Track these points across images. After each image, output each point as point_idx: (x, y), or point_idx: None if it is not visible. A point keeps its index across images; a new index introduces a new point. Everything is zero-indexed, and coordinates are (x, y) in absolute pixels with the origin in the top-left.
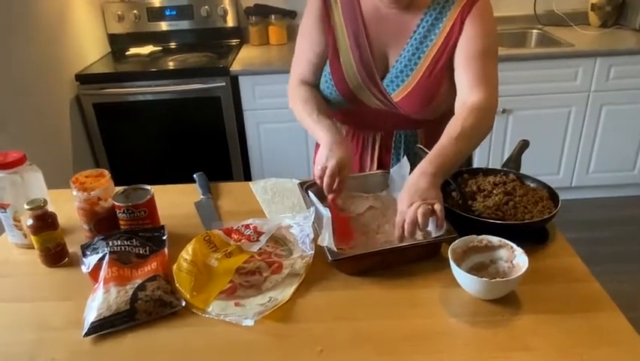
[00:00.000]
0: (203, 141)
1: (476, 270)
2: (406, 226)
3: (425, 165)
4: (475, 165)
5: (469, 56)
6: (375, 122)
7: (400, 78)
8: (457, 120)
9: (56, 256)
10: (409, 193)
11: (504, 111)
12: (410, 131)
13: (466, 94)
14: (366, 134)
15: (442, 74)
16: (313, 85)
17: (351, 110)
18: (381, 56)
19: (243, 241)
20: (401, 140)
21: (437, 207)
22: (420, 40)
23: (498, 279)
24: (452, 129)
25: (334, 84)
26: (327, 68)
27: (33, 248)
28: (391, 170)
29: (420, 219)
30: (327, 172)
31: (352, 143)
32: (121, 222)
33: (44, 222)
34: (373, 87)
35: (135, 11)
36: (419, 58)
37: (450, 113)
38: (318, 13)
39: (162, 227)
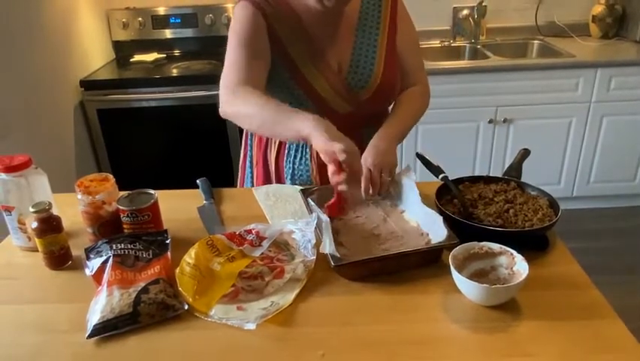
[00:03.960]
0: (205, 147)
1: (477, 276)
2: (363, 182)
3: (387, 130)
4: (476, 173)
5: (409, 46)
6: (346, 127)
7: (365, 76)
8: (411, 101)
9: (60, 258)
10: (372, 153)
11: (505, 120)
12: (372, 128)
13: (410, 80)
14: None
15: (396, 66)
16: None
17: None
18: (336, 61)
19: (245, 245)
20: (369, 137)
21: (387, 175)
22: (367, 40)
23: (498, 285)
24: (408, 107)
25: (305, 95)
26: (289, 84)
27: (37, 251)
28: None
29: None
30: (347, 154)
31: None
32: (125, 226)
33: (49, 225)
34: (345, 94)
35: (140, 19)
36: (374, 53)
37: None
38: (258, 26)
39: (165, 231)
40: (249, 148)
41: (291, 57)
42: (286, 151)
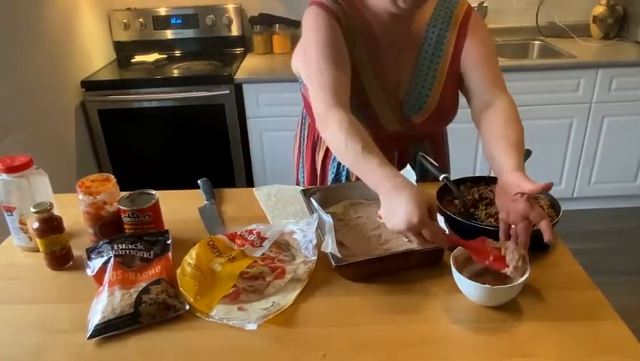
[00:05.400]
0: (206, 147)
1: (478, 277)
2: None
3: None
4: (477, 174)
5: (483, 59)
6: (393, 144)
7: (420, 101)
8: (511, 131)
9: (61, 259)
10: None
11: None
12: (420, 145)
13: (489, 95)
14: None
15: (456, 91)
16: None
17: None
18: (395, 77)
19: (246, 246)
20: (415, 153)
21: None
22: (429, 60)
23: (499, 286)
24: (514, 142)
25: (358, 105)
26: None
27: (38, 251)
28: None
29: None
30: (430, 230)
31: None
32: (126, 227)
33: (50, 225)
34: (399, 114)
35: (141, 19)
36: (434, 77)
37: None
38: (338, 35)
39: (166, 231)
40: (300, 145)
41: (355, 66)
42: (332, 156)
